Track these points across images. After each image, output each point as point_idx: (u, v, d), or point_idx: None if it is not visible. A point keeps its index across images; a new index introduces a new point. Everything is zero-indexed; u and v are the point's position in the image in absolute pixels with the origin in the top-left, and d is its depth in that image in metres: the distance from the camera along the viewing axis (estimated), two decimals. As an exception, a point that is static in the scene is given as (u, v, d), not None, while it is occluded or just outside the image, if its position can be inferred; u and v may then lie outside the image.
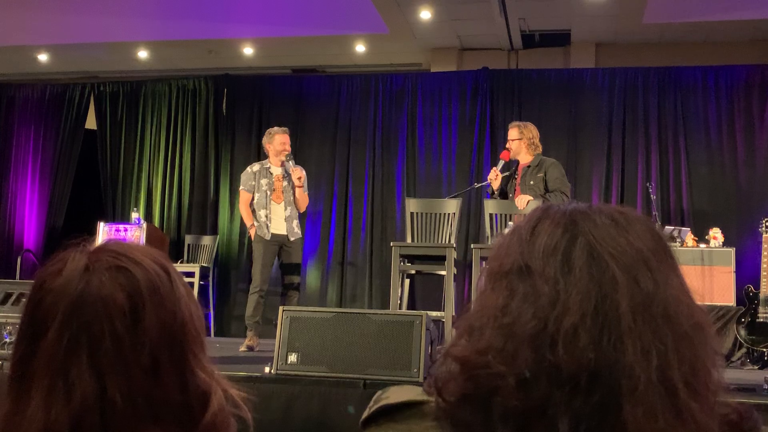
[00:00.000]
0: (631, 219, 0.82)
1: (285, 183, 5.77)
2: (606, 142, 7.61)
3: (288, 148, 5.78)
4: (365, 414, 0.86)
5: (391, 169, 8.07)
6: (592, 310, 0.74)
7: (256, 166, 5.85)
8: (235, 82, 8.69)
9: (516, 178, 5.56)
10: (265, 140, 5.90)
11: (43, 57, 8.83)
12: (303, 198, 5.78)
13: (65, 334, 0.90)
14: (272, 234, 5.66)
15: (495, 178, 5.55)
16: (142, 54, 8.64)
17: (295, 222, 5.76)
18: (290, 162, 5.74)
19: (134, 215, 7.70)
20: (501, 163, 5.59)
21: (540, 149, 5.60)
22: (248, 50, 8.43)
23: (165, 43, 8.36)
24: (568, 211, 0.83)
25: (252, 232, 5.75)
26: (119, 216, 8.53)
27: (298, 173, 5.70)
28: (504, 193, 5.61)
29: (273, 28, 7.93)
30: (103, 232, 7.34)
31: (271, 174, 5.76)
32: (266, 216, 5.68)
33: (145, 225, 7.51)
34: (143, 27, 8.05)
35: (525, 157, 5.54)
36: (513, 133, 5.58)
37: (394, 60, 8.60)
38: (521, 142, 5.52)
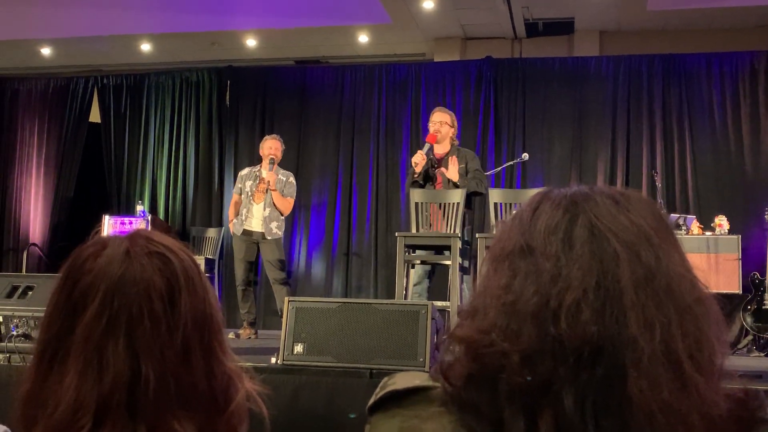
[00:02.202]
0: (633, 199, 0.82)
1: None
2: (610, 130, 7.59)
3: (274, 153, 5.99)
4: (372, 400, 0.87)
5: (396, 159, 8.06)
6: (594, 285, 0.75)
7: (245, 170, 6.20)
8: (238, 74, 8.69)
9: (437, 166, 5.55)
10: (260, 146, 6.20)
11: (46, 51, 8.83)
12: (280, 201, 5.92)
13: (105, 312, 0.92)
14: (245, 229, 5.89)
15: (421, 161, 5.45)
16: (145, 47, 8.63)
17: (275, 223, 5.90)
18: (270, 165, 5.93)
19: (139, 208, 7.71)
20: (427, 147, 5.51)
21: (456, 141, 5.67)
22: (251, 42, 8.41)
23: (168, 36, 8.35)
24: (569, 193, 0.83)
25: (231, 228, 6.06)
26: (124, 209, 8.55)
27: (267, 177, 5.87)
28: (426, 178, 5.58)
29: (276, 19, 7.91)
30: (109, 224, 7.35)
31: (257, 177, 5.99)
32: (244, 214, 5.92)
33: (150, 217, 7.52)
34: (146, 19, 8.03)
35: (444, 146, 5.56)
36: (445, 117, 5.56)
37: (397, 50, 8.58)
38: (451, 129, 5.54)
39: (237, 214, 5.97)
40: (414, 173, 5.57)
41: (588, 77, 7.69)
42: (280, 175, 5.99)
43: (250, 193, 5.94)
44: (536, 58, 7.96)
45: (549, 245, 0.78)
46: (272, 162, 5.94)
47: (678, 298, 0.76)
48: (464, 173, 5.43)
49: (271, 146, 6.01)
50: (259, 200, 5.90)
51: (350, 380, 3.34)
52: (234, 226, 5.96)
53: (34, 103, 9.22)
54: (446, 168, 5.46)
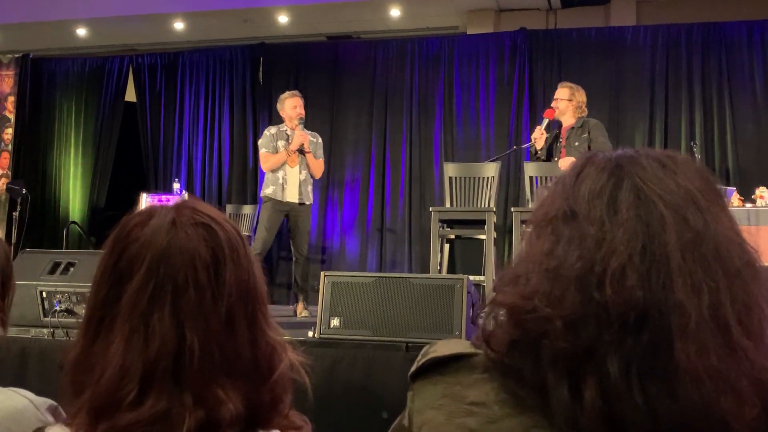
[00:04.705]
0: (679, 161, 0.81)
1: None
2: (648, 101, 7.45)
3: (301, 111, 5.75)
4: (414, 367, 0.87)
5: (429, 134, 8.02)
6: (640, 249, 0.74)
7: (273, 129, 5.84)
8: (271, 51, 8.69)
9: (561, 140, 5.49)
10: (278, 107, 5.92)
11: (81, 31, 8.92)
12: (315, 164, 5.76)
13: (151, 281, 0.94)
14: (280, 201, 5.62)
15: (540, 136, 5.46)
16: (179, 25, 8.68)
17: (310, 187, 5.75)
18: (300, 126, 5.70)
19: (176, 186, 7.79)
20: (545, 122, 5.49)
21: (585, 113, 5.54)
22: (283, 18, 8.40)
23: (201, 14, 8.38)
24: (614, 157, 0.82)
25: (284, 155, 5.67)
26: (161, 186, 8.65)
27: (299, 139, 5.65)
28: (549, 154, 5.54)
29: (307, -6, 7.89)
30: (146, 202, 7.45)
31: (288, 137, 5.74)
32: (283, 178, 5.67)
33: (186, 195, 7.60)
34: (179, -2, 8.08)
35: (568, 120, 5.48)
36: (564, 92, 5.51)
37: (429, 24, 8.50)
38: (570, 104, 5.45)
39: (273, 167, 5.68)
40: (536, 149, 5.52)
41: (625, 48, 7.54)
42: (310, 137, 5.78)
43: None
44: (572, 29, 7.83)
45: (593, 209, 0.77)
46: (302, 122, 5.71)
47: (726, 262, 0.74)
48: (588, 147, 5.28)
49: (295, 104, 5.74)
50: (294, 163, 5.68)
51: (387, 353, 3.36)
52: (275, 192, 5.62)
53: (70, 83, 9.34)
54: (566, 148, 5.39)
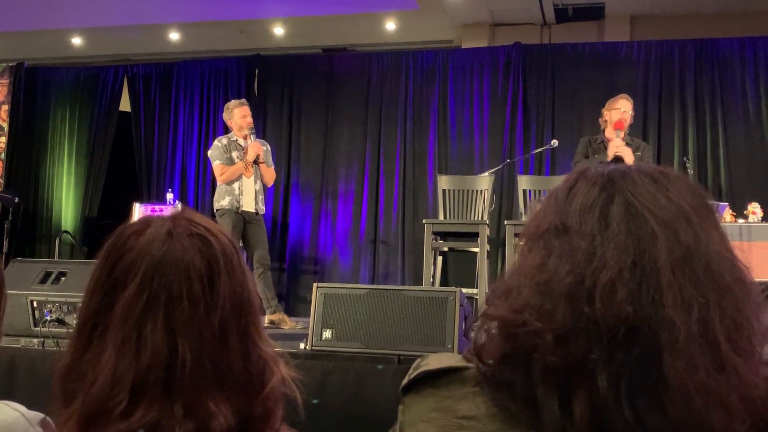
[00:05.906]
0: (672, 177, 0.81)
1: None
2: (641, 116, 7.47)
3: (250, 120, 5.67)
4: (405, 380, 0.87)
5: (423, 147, 8.04)
6: (630, 264, 0.74)
7: (224, 140, 5.72)
8: (266, 63, 8.71)
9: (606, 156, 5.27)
10: (225, 116, 5.81)
11: (76, 40, 8.93)
12: (268, 173, 5.71)
13: (145, 291, 0.93)
14: (238, 210, 5.54)
15: (622, 145, 5.14)
16: (174, 36, 8.69)
17: (261, 197, 5.68)
18: (252, 136, 5.63)
19: (169, 196, 7.78)
20: (619, 133, 5.23)
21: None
22: (279, 30, 8.43)
23: (196, 25, 8.40)
24: (606, 172, 0.82)
25: (241, 166, 5.58)
26: (154, 196, 8.64)
27: (254, 150, 5.57)
28: None
29: (303, 7, 7.91)
30: (139, 212, 7.44)
31: (241, 146, 5.65)
32: (239, 189, 5.58)
33: (180, 205, 7.57)
34: (175, 8, 8.08)
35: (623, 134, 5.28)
36: (629, 105, 5.33)
37: (424, 37, 8.54)
38: (630, 117, 5.32)
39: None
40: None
41: (618, 63, 7.58)
42: (261, 145, 5.70)
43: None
44: (566, 43, 7.87)
45: (584, 224, 0.77)
46: (253, 131, 5.63)
47: (717, 278, 0.74)
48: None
49: (245, 113, 5.64)
50: (249, 173, 5.60)
51: (379, 365, 3.35)
52: (232, 203, 5.52)
53: (65, 92, 9.32)
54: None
